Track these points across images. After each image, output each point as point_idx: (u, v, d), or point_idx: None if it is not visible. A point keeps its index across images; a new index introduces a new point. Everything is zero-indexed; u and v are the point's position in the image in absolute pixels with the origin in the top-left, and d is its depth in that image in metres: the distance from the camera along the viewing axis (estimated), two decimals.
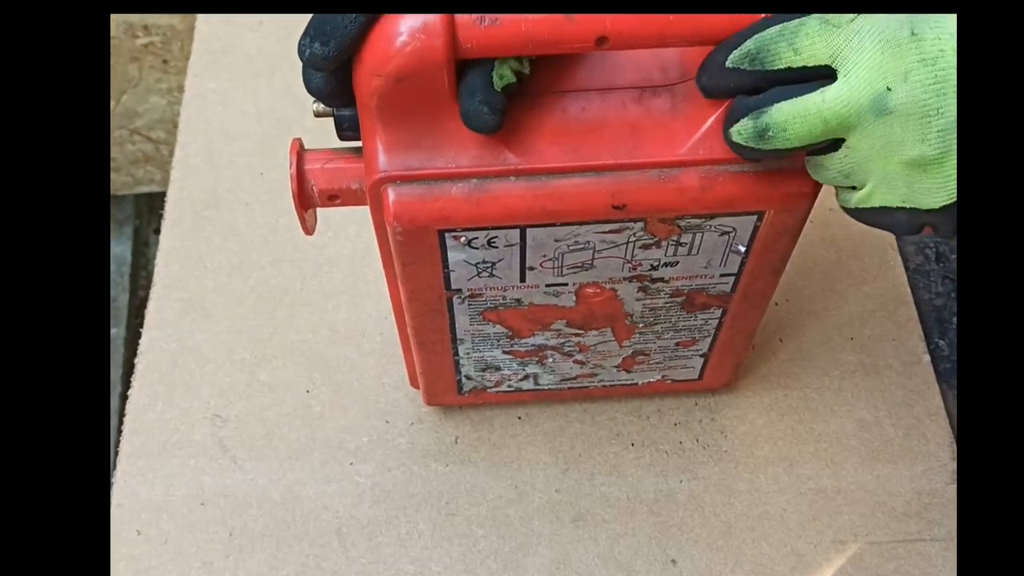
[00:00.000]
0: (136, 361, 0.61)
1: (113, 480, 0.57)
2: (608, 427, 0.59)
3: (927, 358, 0.61)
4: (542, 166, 0.40)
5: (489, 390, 0.56)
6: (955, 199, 0.36)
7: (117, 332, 1.40)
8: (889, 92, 0.34)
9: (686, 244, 0.43)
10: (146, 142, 1.29)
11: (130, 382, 1.40)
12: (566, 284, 0.46)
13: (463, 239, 0.42)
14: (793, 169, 0.40)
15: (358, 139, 0.43)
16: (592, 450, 0.58)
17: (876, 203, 0.37)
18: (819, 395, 0.60)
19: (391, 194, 0.40)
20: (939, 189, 0.36)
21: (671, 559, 0.55)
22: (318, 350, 0.62)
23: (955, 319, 0.62)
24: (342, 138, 0.44)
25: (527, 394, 0.57)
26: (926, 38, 0.34)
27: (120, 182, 1.36)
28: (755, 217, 0.42)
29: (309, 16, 0.39)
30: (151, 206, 1.52)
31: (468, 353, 0.52)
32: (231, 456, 0.58)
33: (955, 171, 0.35)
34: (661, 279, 0.46)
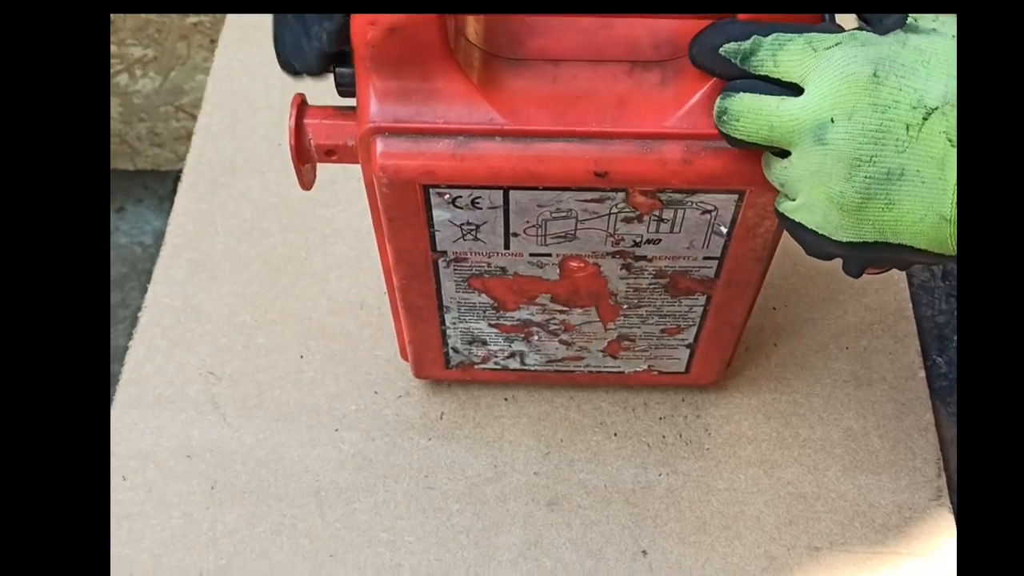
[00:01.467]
0: (139, 315, 0.63)
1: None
2: (593, 416, 0.59)
3: (922, 374, 0.60)
4: (527, 128, 0.40)
5: (476, 366, 0.57)
6: (863, 239, 0.37)
7: None
8: (832, 124, 0.35)
9: (668, 220, 0.44)
10: (190, 119, 1.31)
11: None
12: (550, 255, 0.46)
13: (447, 196, 0.42)
14: None
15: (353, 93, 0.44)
16: (575, 437, 0.59)
17: (796, 218, 0.38)
18: (808, 401, 0.60)
19: (379, 145, 0.41)
20: (850, 228, 0.37)
21: (642, 550, 0.55)
22: (316, 318, 0.63)
23: (956, 337, 0.61)
24: (341, 94, 0.45)
25: (513, 374, 0.58)
26: (886, 84, 0.34)
27: (163, 158, 1.39)
28: (736, 196, 0.42)
29: None
30: None
31: (455, 323, 0.52)
32: (221, 413, 0.59)
33: (872, 217, 0.36)
34: (644, 257, 0.46)
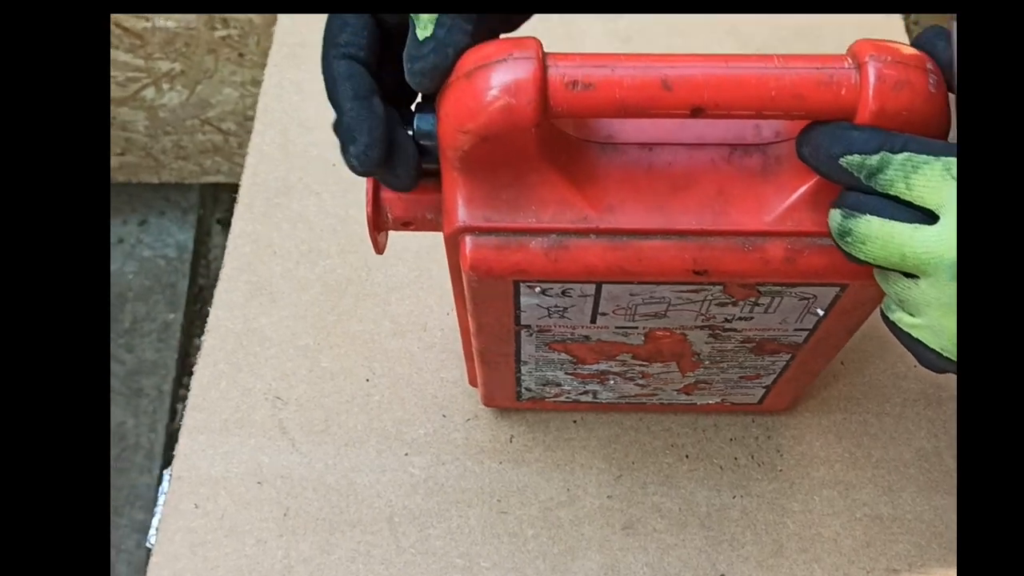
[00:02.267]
0: (203, 339, 0.63)
1: (175, 453, 0.58)
2: (663, 437, 0.59)
3: None
4: (623, 227, 0.38)
5: (547, 399, 0.57)
6: None
7: (175, 317, 1.43)
8: None
9: (763, 304, 0.43)
10: (216, 133, 1.31)
11: (185, 366, 1.43)
12: (636, 327, 0.45)
13: (538, 289, 0.41)
14: None
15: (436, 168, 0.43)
16: (646, 459, 0.58)
17: (915, 335, 0.36)
18: (879, 420, 0.59)
19: (468, 243, 0.39)
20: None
21: (721, 574, 0.55)
22: (379, 341, 0.63)
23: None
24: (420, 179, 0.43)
25: (584, 405, 0.58)
26: None
27: (188, 171, 1.39)
28: (838, 288, 0.41)
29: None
30: (215, 196, 1.55)
31: (531, 372, 0.52)
32: (290, 438, 0.59)
33: None
34: (733, 329, 0.46)
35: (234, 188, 1.60)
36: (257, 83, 1.24)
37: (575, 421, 0.60)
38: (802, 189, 0.38)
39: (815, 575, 0.55)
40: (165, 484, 0.58)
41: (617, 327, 0.45)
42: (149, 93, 1.25)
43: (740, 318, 0.44)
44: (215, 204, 1.55)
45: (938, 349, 0.36)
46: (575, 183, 0.39)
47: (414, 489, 0.57)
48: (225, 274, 0.65)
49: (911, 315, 0.36)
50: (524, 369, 0.51)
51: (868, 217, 0.35)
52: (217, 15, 1.14)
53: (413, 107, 0.42)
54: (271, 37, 1.17)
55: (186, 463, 0.58)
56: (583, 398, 0.56)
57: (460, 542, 0.56)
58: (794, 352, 0.48)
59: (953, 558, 0.55)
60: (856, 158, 0.35)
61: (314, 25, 0.77)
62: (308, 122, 0.72)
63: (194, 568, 0.55)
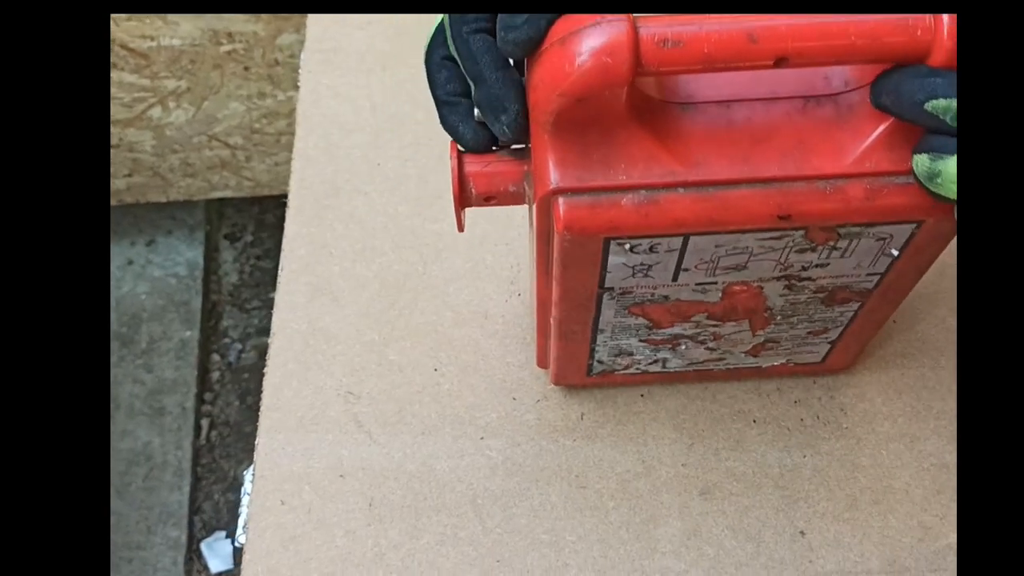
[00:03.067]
0: (269, 341, 0.64)
1: (255, 453, 0.59)
2: (729, 405, 0.61)
3: None
4: (710, 178, 0.40)
5: (617, 372, 0.58)
6: None
7: (191, 335, 1.44)
8: None
9: (841, 248, 0.44)
10: (223, 148, 1.32)
11: (205, 382, 1.43)
12: (715, 283, 0.47)
13: (627, 246, 0.43)
14: None
15: (522, 141, 0.45)
16: (715, 427, 0.60)
17: None
18: (935, 374, 0.61)
19: (562, 205, 0.40)
20: None
21: (799, 531, 0.56)
22: (443, 331, 0.64)
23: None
24: (499, 148, 0.45)
25: (651, 375, 0.59)
26: None
27: (196, 187, 1.39)
28: (914, 225, 0.43)
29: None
30: (221, 212, 1.56)
31: (605, 342, 0.53)
32: (366, 431, 0.60)
33: None
34: (808, 278, 0.47)
35: (240, 202, 1.60)
36: (263, 96, 1.25)
37: (642, 395, 0.61)
38: (877, 132, 0.40)
39: (890, 525, 0.57)
40: (248, 484, 0.59)
41: (697, 284, 0.47)
42: (155, 112, 1.25)
43: (817, 265, 0.46)
44: (220, 220, 1.56)
45: None
46: (661, 141, 0.40)
47: (493, 471, 0.59)
48: (284, 277, 0.66)
49: None
50: (600, 339, 0.53)
51: (955, 158, 0.36)
52: (222, 30, 1.15)
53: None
54: (276, 50, 1.18)
55: (268, 461, 0.59)
56: (652, 368, 0.58)
57: (544, 519, 0.57)
58: (863, 300, 0.50)
59: None
60: (941, 102, 0.36)
61: (345, 30, 0.78)
62: (348, 124, 0.73)
63: (288, 562, 0.56)
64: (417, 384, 0.62)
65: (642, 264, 0.45)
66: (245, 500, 0.59)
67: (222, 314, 1.49)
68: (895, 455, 0.59)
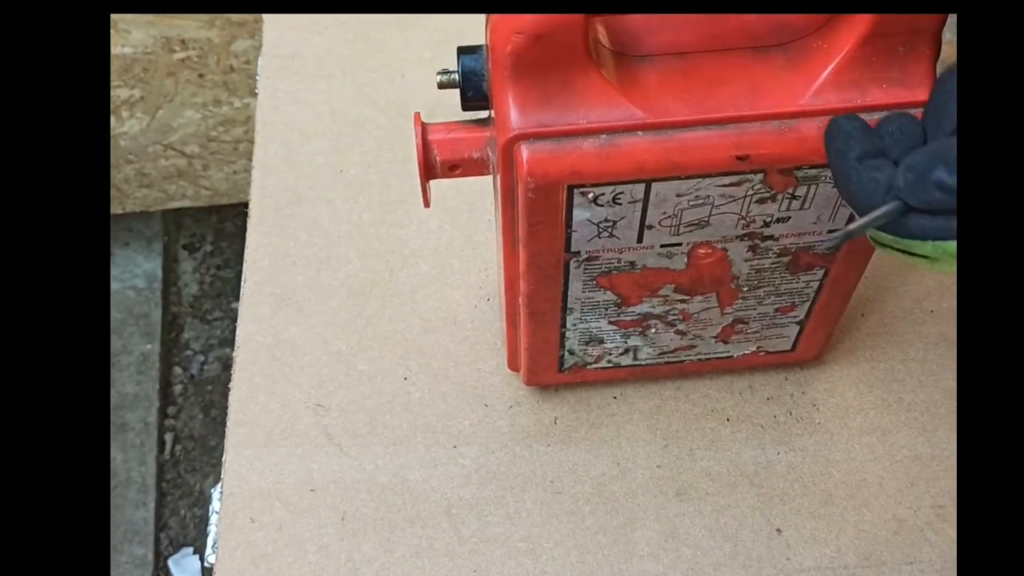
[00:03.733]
0: (234, 354, 0.62)
1: (223, 470, 0.58)
2: (703, 404, 0.61)
3: None
4: (668, 119, 0.42)
5: (589, 366, 0.58)
6: None
7: (152, 348, 1.41)
8: None
9: (800, 197, 0.45)
10: (179, 157, 1.30)
11: (167, 396, 1.40)
12: (680, 244, 0.48)
13: (591, 195, 0.43)
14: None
15: (481, 108, 0.45)
16: (689, 426, 0.60)
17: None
18: (905, 367, 0.62)
19: (524, 151, 0.41)
20: None
21: (776, 528, 0.56)
22: (412, 339, 0.63)
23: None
24: (466, 108, 0.46)
25: (623, 370, 0.59)
26: None
27: (152, 198, 1.36)
28: None
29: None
30: (179, 222, 1.53)
31: (575, 324, 0.53)
32: (337, 444, 0.59)
33: None
34: (771, 236, 0.48)
35: (198, 212, 1.58)
36: (219, 103, 1.23)
37: (615, 397, 0.61)
38: (826, 72, 0.41)
39: (865, 519, 0.57)
40: (216, 503, 0.58)
41: (662, 246, 0.47)
42: (110, 122, 1.23)
43: (778, 219, 0.47)
44: (179, 230, 1.53)
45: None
46: (619, 87, 0.42)
47: (467, 480, 0.58)
48: (247, 288, 0.65)
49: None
50: (569, 321, 0.53)
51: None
52: (174, 37, 1.13)
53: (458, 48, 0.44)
54: (231, 56, 1.17)
55: (236, 478, 0.58)
56: (623, 360, 0.57)
57: (520, 526, 0.57)
58: (827, 265, 0.51)
59: None
60: (880, 236, 0.38)
61: (303, 35, 0.77)
62: (308, 131, 0.72)
63: None
64: (387, 394, 0.61)
65: (606, 220, 0.45)
66: (214, 519, 0.58)
67: (183, 326, 1.46)
68: (868, 449, 0.59)
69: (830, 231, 0.48)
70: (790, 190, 0.45)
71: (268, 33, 0.77)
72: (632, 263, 0.49)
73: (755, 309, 0.54)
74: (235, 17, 1.11)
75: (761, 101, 0.42)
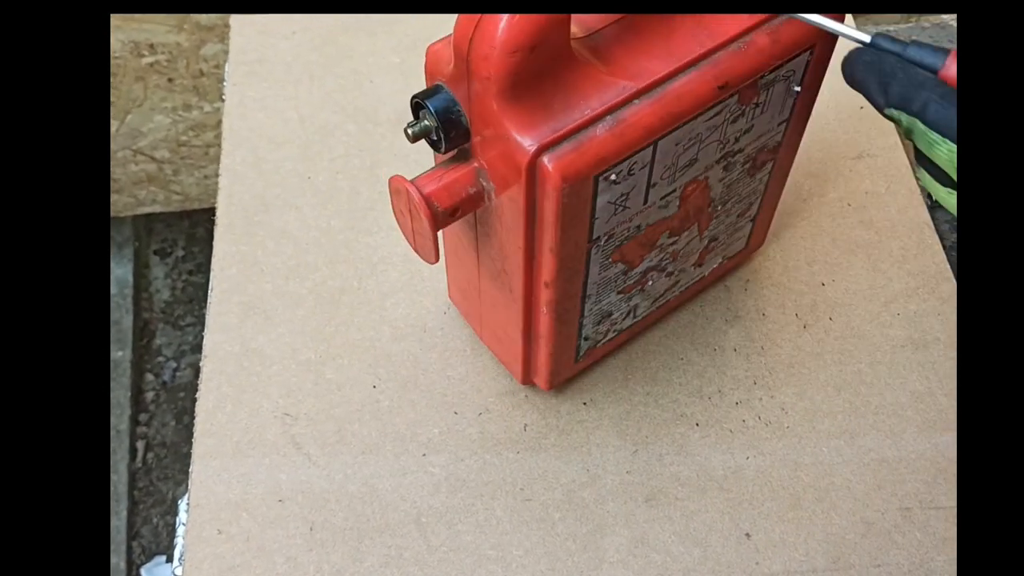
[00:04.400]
0: (201, 364, 0.62)
1: (190, 481, 0.58)
2: (672, 409, 0.61)
3: None
4: (655, 78, 0.44)
5: (599, 344, 0.58)
6: None
7: (123, 355, 1.39)
8: None
9: (761, 103, 0.48)
10: (149, 162, 1.28)
11: (139, 403, 1.39)
12: (675, 190, 0.49)
13: (612, 177, 0.44)
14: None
15: (464, 142, 0.45)
16: (659, 431, 0.60)
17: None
18: (872, 369, 0.62)
19: (549, 161, 0.42)
20: None
21: (745, 533, 0.56)
22: (381, 347, 0.63)
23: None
24: (448, 148, 0.45)
25: (625, 333, 0.60)
26: None
27: (122, 203, 1.35)
28: (808, 53, 0.47)
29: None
30: (150, 228, 1.52)
31: (591, 309, 0.54)
32: (305, 453, 0.59)
33: None
34: (740, 150, 0.51)
35: (168, 217, 1.56)
36: (189, 107, 1.22)
37: (584, 403, 0.61)
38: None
39: (834, 522, 0.57)
40: (183, 514, 0.57)
41: (662, 198, 0.49)
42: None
43: (745, 131, 0.49)
44: (150, 235, 1.52)
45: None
46: (599, 69, 0.43)
47: (436, 488, 0.58)
48: (215, 297, 0.64)
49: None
50: (586, 308, 0.53)
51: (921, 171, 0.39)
52: (143, 42, 1.12)
53: (412, 99, 0.44)
54: (200, 60, 1.16)
55: (203, 490, 0.57)
56: (626, 323, 0.58)
57: (490, 534, 0.56)
58: (775, 157, 0.54)
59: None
60: (894, 112, 0.39)
61: (270, 40, 0.76)
62: (276, 137, 0.71)
63: None
64: (356, 402, 0.61)
65: (622, 195, 0.46)
66: (181, 530, 0.57)
67: (155, 332, 1.45)
68: (836, 452, 0.59)
69: (779, 123, 0.52)
70: (755, 100, 0.48)
71: (235, 39, 0.76)
72: (639, 227, 0.50)
73: (723, 222, 0.56)
74: (204, 21, 1.10)
75: (714, 32, 0.45)
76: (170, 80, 1.17)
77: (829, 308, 0.64)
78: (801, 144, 0.56)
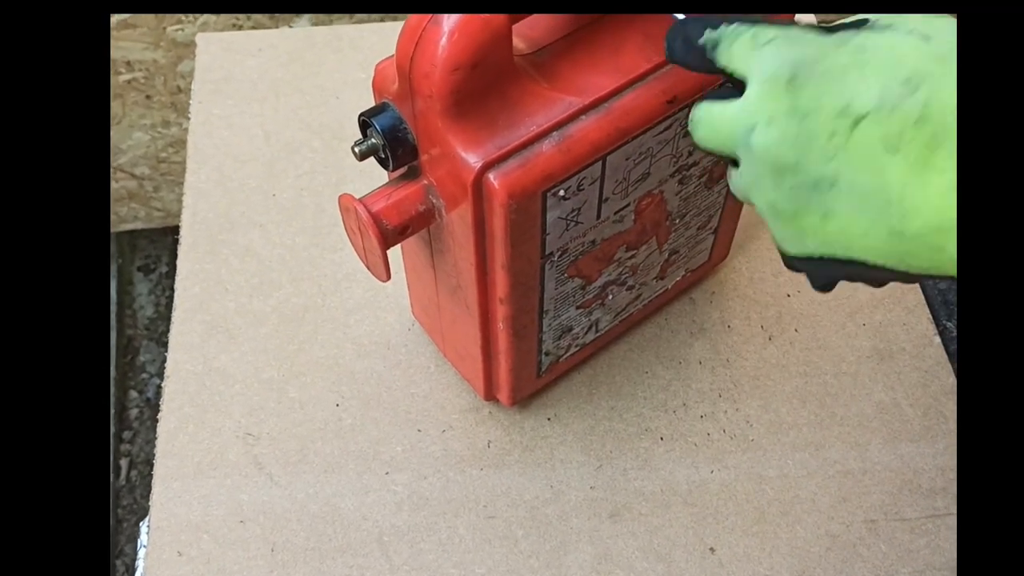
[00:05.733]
0: (163, 384, 0.61)
1: (150, 503, 0.57)
2: (636, 423, 0.60)
3: (938, 340, 0.63)
4: (602, 94, 0.44)
5: (561, 359, 0.58)
6: (810, 253, 0.34)
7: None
8: (754, 130, 0.33)
9: None
10: (130, 179, 1.28)
11: (122, 420, 1.38)
12: (629, 204, 0.49)
13: (560, 192, 0.44)
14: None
15: (412, 160, 0.45)
16: (623, 446, 0.60)
17: (775, 238, 0.37)
18: (838, 380, 0.62)
19: (495, 178, 0.42)
20: (792, 239, 0.35)
21: (709, 547, 0.56)
22: (344, 364, 0.62)
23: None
24: (396, 167, 0.45)
25: (588, 347, 0.59)
26: (805, 89, 0.32)
27: None
28: None
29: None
30: (133, 244, 1.51)
31: (550, 324, 0.54)
32: (267, 473, 0.58)
33: (810, 228, 0.33)
34: (695, 163, 0.50)
35: (151, 233, 1.56)
36: (167, 124, 1.22)
37: (549, 419, 0.61)
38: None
39: (798, 536, 0.57)
40: (144, 536, 0.57)
41: (615, 213, 0.49)
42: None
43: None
44: (133, 252, 1.52)
45: (774, 240, 0.36)
46: (544, 85, 0.43)
47: (399, 507, 0.57)
48: (177, 316, 0.64)
49: (755, 205, 0.36)
50: (545, 323, 0.53)
51: (702, 103, 0.37)
52: (120, 59, 1.12)
53: (359, 117, 0.44)
54: (177, 77, 1.16)
55: (163, 512, 0.57)
56: (588, 337, 0.58)
57: (452, 552, 0.56)
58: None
59: (924, 501, 0.57)
60: (706, 35, 0.36)
61: (236, 57, 0.76)
62: (242, 155, 0.71)
63: None
64: (319, 421, 0.60)
65: (572, 211, 0.46)
66: (141, 553, 0.57)
67: (139, 349, 1.44)
68: (801, 464, 0.59)
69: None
70: None
71: (201, 57, 0.76)
72: (593, 241, 0.50)
73: (683, 235, 0.56)
74: (180, 38, 1.10)
75: (661, 46, 0.43)
76: (148, 97, 1.17)
77: (794, 319, 0.64)
78: None
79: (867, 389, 0.61)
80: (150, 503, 0.57)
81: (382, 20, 1.05)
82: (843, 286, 0.65)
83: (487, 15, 0.40)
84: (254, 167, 0.71)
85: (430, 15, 0.40)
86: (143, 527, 0.57)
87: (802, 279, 0.66)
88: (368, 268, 0.49)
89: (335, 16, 1.06)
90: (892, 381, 0.62)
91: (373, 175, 0.69)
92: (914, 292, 0.65)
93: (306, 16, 1.07)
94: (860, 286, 0.65)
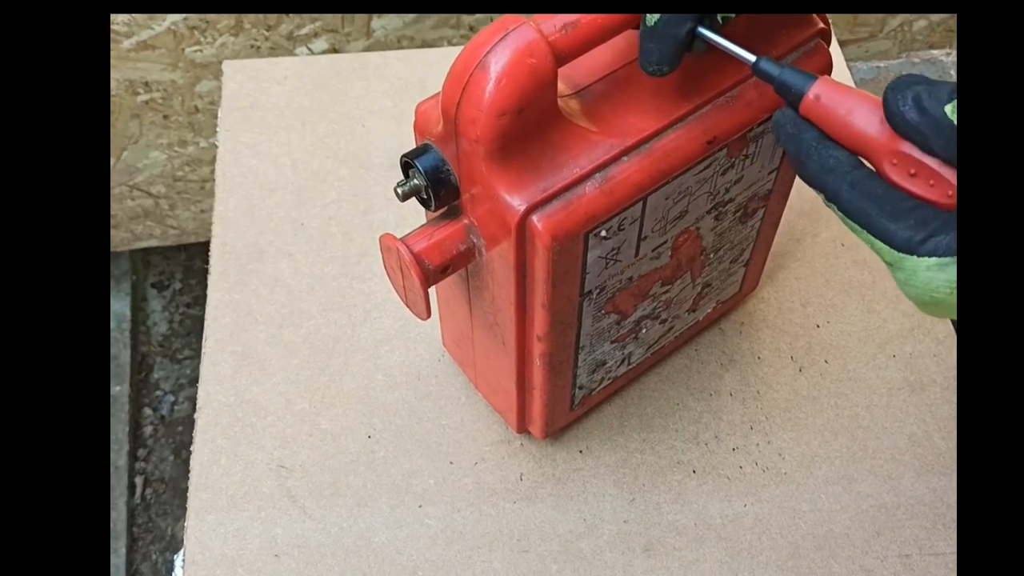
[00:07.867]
0: (196, 416, 0.62)
1: (184, 536, 0.57)
2: (668, 456, 0.60)
3: None
4: (643, 135, 0.44)
5: (594, 392, 0.58)
6: None
7: (121, 390, 1.39)
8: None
9: (750, 155, 0.49)
10: (146, 197, 1.29)
11: (137, 438, 1.38)
12: (666, 242, 0.50)
13: (602, 233, 0.45)
14: (815, 50, 0.47)
15: (454, 200, 0.45)
16: (655, 479, 0.60)
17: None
18: (869, 413, 0.62)
19: (539, 221, 0.42)
20: None
21: None
22: (376, 396, 0.62)
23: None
24: (438, 207, 0.45)
25: (621, 379, 0.60)
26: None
27: (119, 238, 1.35)
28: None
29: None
30: (147, 261, 1.52)
31: (584, 360, 0.54)
32: (300, 506, 0.58)
33: None
34: (731, 200, 0.51)
35: (165, 250, 1.56)
36: (184, 143, 1.22)
37: (580, 451, 0.61)
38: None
39: (833, 571, 0.56)
40: (179, 570, 0.57)
41: (653, 250, 0.49)
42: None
43: (735, 181, 0.50)
44: (147, 269, 1.52)
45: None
46: (586, 127, 0.44)
47: (433, 540, 0.57)
48: (208, 347, 0.64)
49: None
50: (580, 358, 0.53)
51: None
52: (138, 80, 1.12)
53: (401, 158, 0.44)
54: (195, 97, 1.16)
55: (198, 545, 0.57)
56: (620, 370, 0.58)
57: None
58: (766, 204, 0.54)
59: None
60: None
61: (262, 85, 0.76)
62: (269, 184, 0.71)
63: None
64: (351, 453, 0.60)
65: (612, 250, 0.46)
66: None
67: (152, 366, 1.44)
68: (834, 498, 0.59)
69: (769, 172, 0.52)
70: (744, 152, 0.48)
71: (227, 84, 0.76)
72: (630, 278, 0.50)
73: (716, 268, 0.56)
74: (199, 59, 1.10)
75: (700, 87, 0.45)
76: (165, 117, 1.17)
77: (824, 351, 0.64)
78: (793, 183, 0.56)
79: (899, 422, 0.61)
80: (184, 537, 0.57)
81: (404, 47, 1.05)
82: (871, 317, 0.65)
83: (534, 61, 0.40)
84: (282, 196, 0.71)
85: (478, 60, 0.41)
86: (177, 560, 0.57)
87: (830, 309, 0.66)
88: (407, 306, 0.50)
89: (351, 40, 1.07)
90: (924, 413, 0.62)
91: (401, 204, 0.69)
92: (943, 323, 0.65)
93: (323, 37, 1.07)
94: (888, 317, 0.65)
